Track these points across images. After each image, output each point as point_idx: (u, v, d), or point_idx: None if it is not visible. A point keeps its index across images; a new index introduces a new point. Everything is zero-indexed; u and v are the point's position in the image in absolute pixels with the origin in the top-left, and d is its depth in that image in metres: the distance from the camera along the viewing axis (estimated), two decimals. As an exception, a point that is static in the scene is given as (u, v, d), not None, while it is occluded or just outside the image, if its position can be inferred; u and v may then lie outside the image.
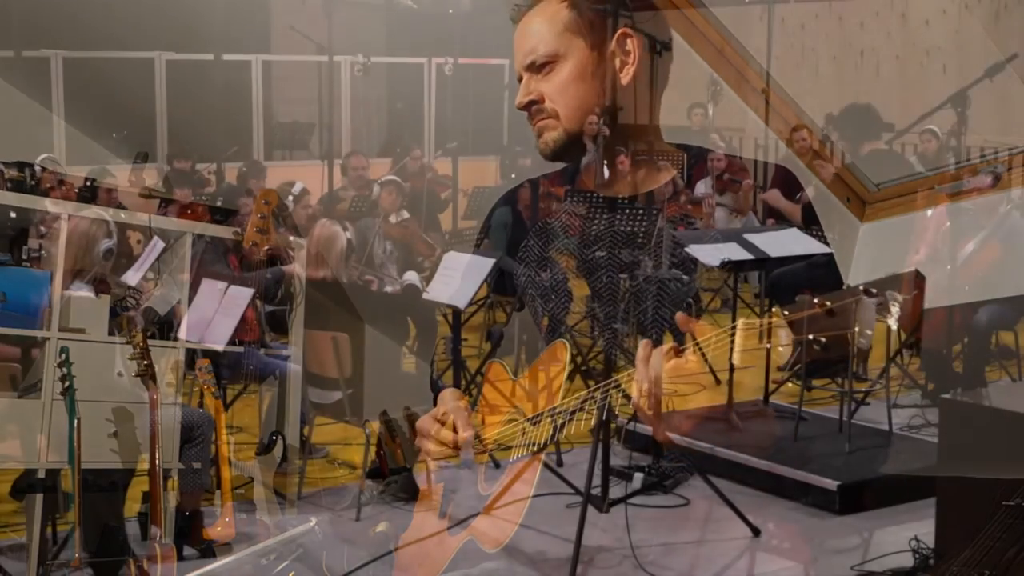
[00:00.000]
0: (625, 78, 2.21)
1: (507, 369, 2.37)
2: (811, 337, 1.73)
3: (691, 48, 2.33)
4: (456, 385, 5.14)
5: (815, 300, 1.73)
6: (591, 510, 4.86)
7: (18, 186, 6.88)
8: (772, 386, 6.73)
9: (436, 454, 2.28)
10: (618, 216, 2.34)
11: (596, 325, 2.39)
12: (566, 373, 2.21)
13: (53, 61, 11.54)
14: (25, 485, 4.77)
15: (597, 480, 4.98)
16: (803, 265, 6.86)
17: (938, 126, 8.73)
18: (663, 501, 5.63)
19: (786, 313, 1.76)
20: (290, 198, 8.47)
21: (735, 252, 6.08)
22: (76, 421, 4.21)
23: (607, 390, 2.03)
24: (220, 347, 5.21)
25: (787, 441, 6.09)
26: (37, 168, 7.55)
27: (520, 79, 2.25)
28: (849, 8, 11.07)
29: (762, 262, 6.31)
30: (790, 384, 6.96)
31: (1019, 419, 4.34)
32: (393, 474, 5.53)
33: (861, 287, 1.71)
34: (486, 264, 5.77)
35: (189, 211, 6.51)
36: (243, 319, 5.37)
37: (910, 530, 4.87)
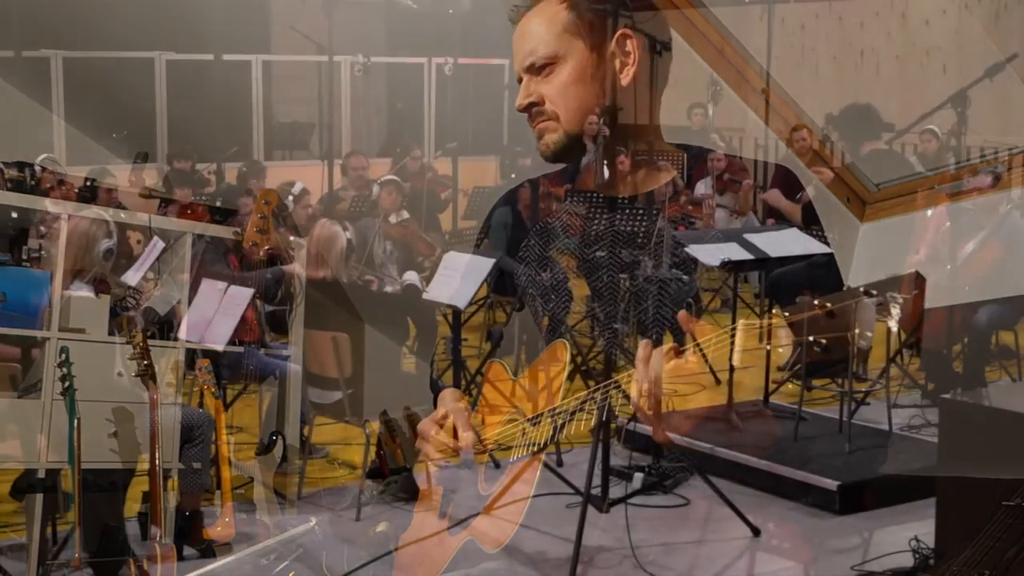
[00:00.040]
0: (625, 79, 2.20)
1: (507, 369, 2.37)
2: (811, 339, 1.73)
3: (691, 48, 2.33)
4: (456, 385, 5.15)
5: (815, 302, 1.73)
6: (591, 510, 4.86)
7: (18, 186, 6.88)
8: (772, 386, 6.73)
9: (436, 458, 2.28)
10: (618, 216, 2.34)
11: (596, 325, 2.39)
12: (566, 373, 2.21)
13: (53, 61, 11.55)
14: (25, 485, 4.77)
15: (597, 480, 4.98)
16: (803, 265, 6.86)
17: (938, 126, 8.73)
18: (663, 501, 5.63)
19: (786, 314, 1.76)
20: (290, 198, 8.47)
21: (735, 252, 6.08)
22: (76, 421, 4.21)
23: (607, 390, 2.03)
24: (220, 347, 5.21)
25: (787, 441, 6.09)
26: (37, 168, 7.56)
27: (520, 80, 2.24)
28: (849, 8, 11.08)
29: (762, 262, 6.31)
30: (790, 384, 6.97)
31: (1019, 419, 4.34)
32: (393, 474, 5.53)
33: (861, 288, 1.71)
34: (486, 264, 5.77)
35: (189, 211, 6.51)
36: (243, 319, 5.37)
37: (910, 530, 4.87)
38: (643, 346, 1.93)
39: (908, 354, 6.99)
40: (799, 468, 5.68)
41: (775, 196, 8.36)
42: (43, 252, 5.49)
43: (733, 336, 1.80)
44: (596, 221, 2.35)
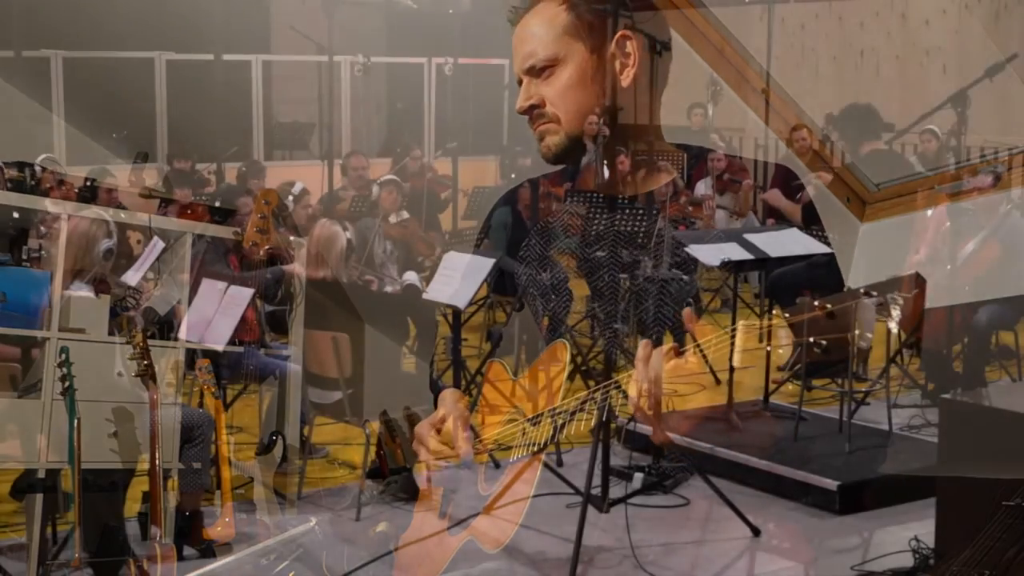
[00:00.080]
0: (625, 80, 2.20)
1: (507, 369, 2.37)
2: (811, 340, 1.73)
3: (691, 48, 2.33)
4: (456, 385, 5.15)
5: (815, 303, 1.73)
6: (591, 510, 4.86)
7: (18, 186, 6.88)
8: (772, 386, 6.73)
9: (431, 462, 2.28)
10: (618, 216, 2.34)
11: (596, 325, 2.40)
12: (566, 373, 2.21)
13: (53, 61, 11.55)
14: (25, 485, 4.77)
15: (597, 480, 4.98)
16: (803, 265, 6.87)
17: (938, 126, 8.73)
18: (663, 501, 5.63)
19: (787, 316, 1.76)
20: (290, 198, 8.47)
21: (735, 252, 6.09)
22: (76, 421, 4.20)
23: (607, 390, 2.03)
24: (220, 347, 5.21)
25: (787, 441, 6.09)
26: (37, 168, 7.56)
27: (520, 82, 2.24)
28: (849, 8, 11.07)
29: (762, 262, 6.31)
30: (790, 384, 6.97)
31: (1019, 419, 4.34)
32: (393, 474, 5.53)
33: (862, 290, 1.71)
34: (486, 264, 5.77)
35: (189, 211, 6.50)
36: (243, 319, 5.37)
37: (910, 530, 4.87)
38: (643, 346, 1.93)
39: (908, 354, 6.99)
40: (799, 468, 5.68)
41: (775, 196, 8.36)
42: (43, 252, 5.49)
43: (733, 336, 1.80)
44: (596, 221, 2.35)
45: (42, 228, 5.78)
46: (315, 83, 12.52)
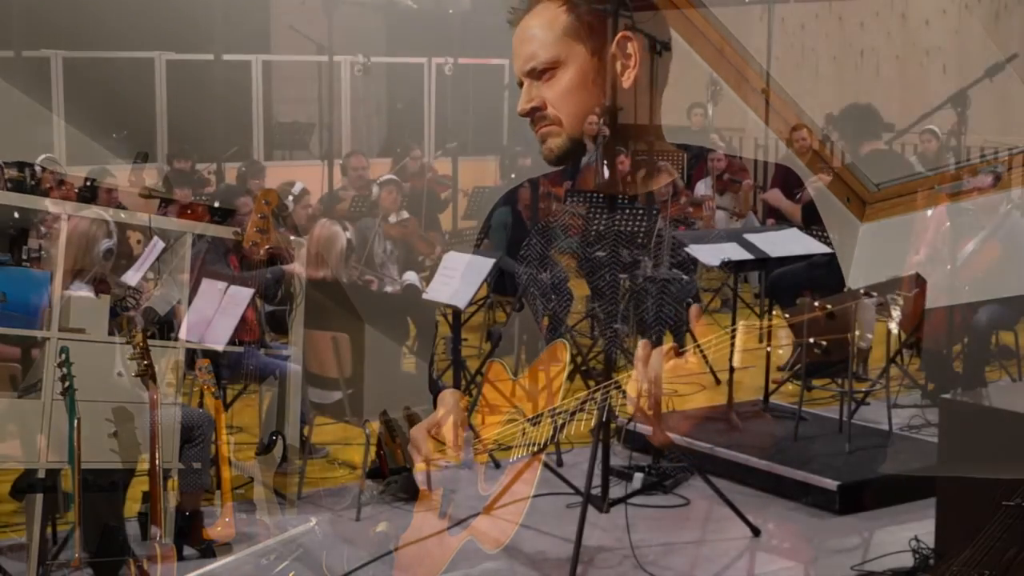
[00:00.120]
0: (627, 82, 2.20)
1: (507, 369, 2.37)
2: (811, 340, 1.73)
3: (691, 48, 2.33)
4: (456, 385, 5.14)
5: (815, 303, 1.73)
6: (591, 510, 4.86)
7: (18, 186, 6.88)
8: (772, 386, 6.73)
9: (424, 467, 2.28)
10: (619, 216, 2.34)
11: (596, 325, 2.40)
12: (566, 373, 2.21)
13: (53, 61, 11.55)
14: (25, 485, 4.77)
15: (597, 480, 4.98)
16: (803, 265, 6.87)
17: (938, 126, 8.73)
18: (663, 501, 5.63)
19: (786, 316, 1.76)
20: (290, 198, 8.46)
21: (735, 252, 6.09)
22: (76, 421, 4.21)
23: (607, 390, 2.03)
24: (220, 347, 5.21)
25: (787, 441, 6.09)
26: (37, 168, 7.56)
27: (520, 84, 2.23)
28: (849, 8, 11.07)
29: (762, 262, 6.31)
30: (790, 384, 6.97)
31: (1019, 419, 4.34)
32: (393, 474, 5.53)
33: (862, 290, 1.71)
34: (486, 264, 5.77)
35: (189, 211, 6.51)
36: (243, 319, 5.37)
37: (910, 530, 4.87)
38: (642, 346, 1.93)
39: (908, 354, 6.99)
40: (799, 468, 5.68)
41: (775, 196, 8.36)
42: (43, 252, 5.49)
43: (733, 336, 1.80)
44: (597, 221, 2.35)
45: (42, 228, 5.78)
46: (315, 83, 12.53)
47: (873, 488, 5.55)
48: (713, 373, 6.99)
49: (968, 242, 6.58)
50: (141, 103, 11.72)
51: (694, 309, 1.88)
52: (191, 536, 4.88)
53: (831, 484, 5.50)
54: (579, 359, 6.25)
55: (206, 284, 5.34)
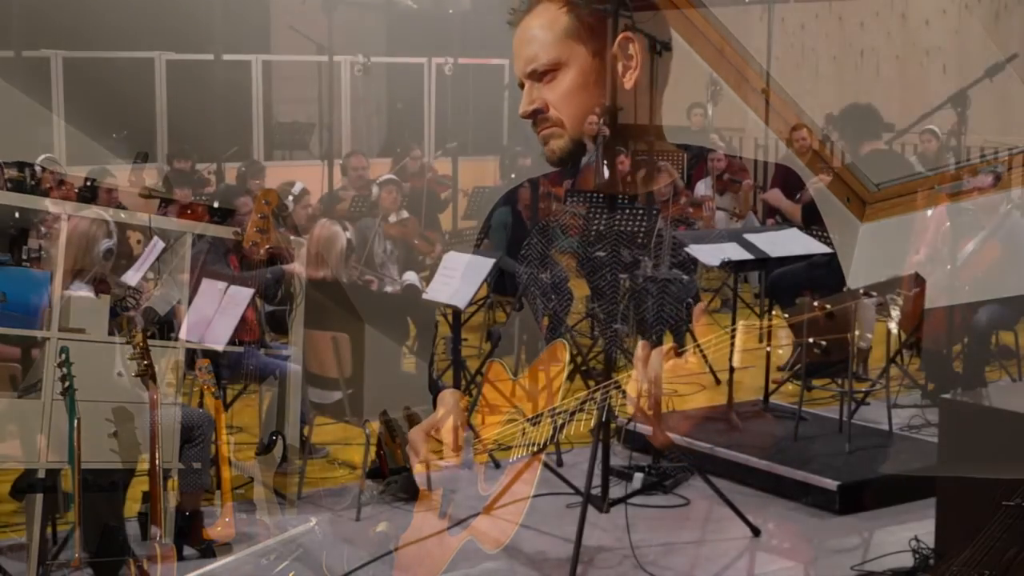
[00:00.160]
0: (628, 83, 2.19)
1: (507, 369, 2.37)
2: (811, 340, 1.73)
3: (691, 48, 2.33)
4: (456, 385, 5.15)
5: (815, 303, 1.73)
6: (591, 510, 4.86)
7: (18, 186, 6.89)
8: (772, 386, 6.73)
9: (422, 470, 2.28)
10: (619, 216, 2.34)
11: (596, 325, 2.40)
12: (566, 373, 2.21)
13: (53, 61, 11.55)
14: (25, 485, 4.77)
15: (597, 480, 4.98)
16: (803, 265, 6.87)
17: (938, 126, 8.73)
18: (663, 501, 5.63)
19: (786, 316, 1.76)
20: (290, 198, 8.46)
21: (735, 252, 6.09)
22: (76, 421, 4.21)
23: (607, 390, 2.03)
24: (220, 347, 5.21)
25: (787, 441, 6.09)
26: (37, 168, 7.56)
27: (521, 85, 2.23)
28: (849, 8, 11.07)
29: (762, 262, 6.31)
30: (790, 384, 6.97)
31: (1019, 419, 4.34)
32: (393, 474, 5.53)
33: (861, 290, 1.71)
34: (486, 264, 5.77)
35: (189, 211, 6.51)
36: (243, 319, 5.37)
37: (910, 530, 4.87)
38: (641, 346, 1.93)
39: (908, 354, 6.99)
40: (799, 468, 5.68)
41: (775, 196, 8.36)
42: (43, 252, 5.49)
43: (733, 336, 1.80)
44: (597, 221, 2.36)
45: (42, 228, 5.78)
46: (315, 83, 12.52)
47: (873, 488, 5.55)
48: (713, 373, 6.99)
49: (968, 242, 6.58)
50: (141, 103, 11.72)
51: (698, 307, 1.88)
52: (191, 536, 4.88)
53: (831, 484, 5.50)
54: (579, 359, 6.25)
55: (206, 284, 5.34)
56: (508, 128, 12.71)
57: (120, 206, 7.54)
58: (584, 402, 2.07)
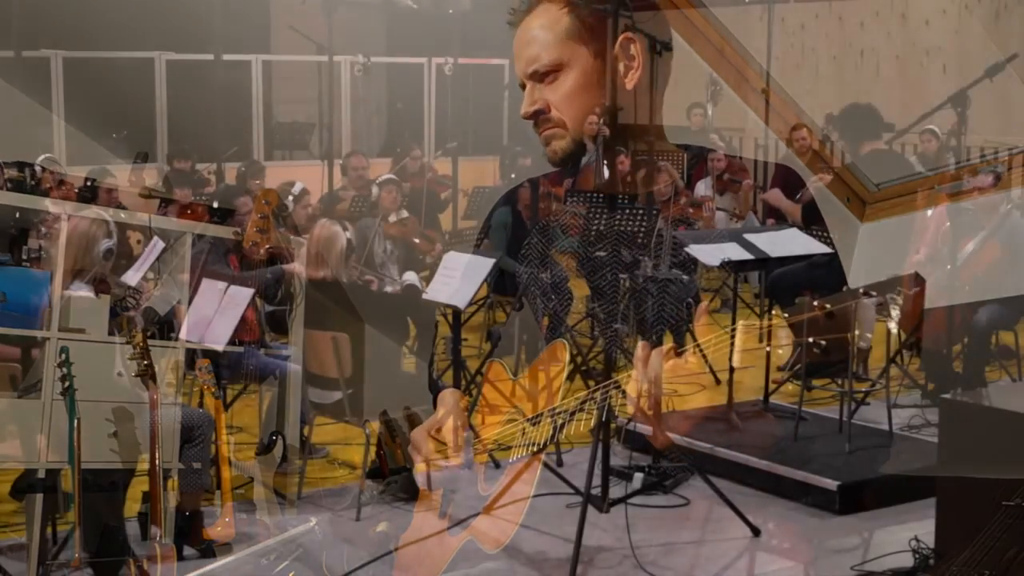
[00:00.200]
0: (630, 83, 2.19)
1: (507, 369, 2.37)
2: (811, 340, 1.73)
3: (691, 48, 2.33)
4: (456, 385, 5.15)
5: (815, 303, 1.73)
6: (591, 510, 4.86)
7: (18, 186, 6.89)
8: (772, 386, 6.73)
9: (424, 469, 2.28)
10: (619, 216, 2.34)
11: (596, 325, 2.40)
12: (566, 373, 2.21)
13: (53, 61, 11.55)
14: (25, 485, 4.77)
15: (597, 480, 4.98)
16: (803, 265, 6.87)
17: (938, 126, 8.73)
18: (663, 501, 5.63)
19: (786, 316, 1.77)
20: (290, 198, 8.46)
21: (735, 252, 6.08)
22: (76, 421, 4.21)
23: (607, 390, 2.03)
24: (220, 347, 5.21)
25: (787, 441, 6.09)
26: (37, 168, 7.56)
27: (522, 85, 2.22)
28: (849, 8, 11.07)
29: (762, 262, 6.31)
30: (790, 384, 6.96)
31: (1019, 419, 4.34)
32: (393, 474, 5.53)
33: (861, 290, 1.72)
34: (486, 264, 5.77)
35: (189, 211, 6.51)
36: (243, 319, 5.37)
37: (910, 530, 4.87)
38: (641, 346, 1.93)
39: (908, 354, 6.99)
40: (799, 468, 5.68)
41: (775, 196, 8.36)
42: (43, 252, 5.49)
43: (733, 336, 1.80)
44: (597, 221, 2.36)
45: (42, 228, 5.78)
46: (315, 83, 12.52)
47: (873, 488, 5.55)
48: (713, 373, 6.98)
49: (968, 242, 6.58)
50: (141, 103, 11.72)
51: (700, 306, 1.88)
52: (191, 536, 4.88)
53: (831, 484, 5.50)
54: (579, 359, 6.25)
55: (206, 284, 5.34)
56: (508, 128, 12.71)
57: (120, 206, 7.54)
58: (584, 402, 2.07)
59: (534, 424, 2.18)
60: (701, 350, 1.86)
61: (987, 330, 6.79)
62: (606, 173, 2.23)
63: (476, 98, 13.23)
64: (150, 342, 4.53)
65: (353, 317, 5.60)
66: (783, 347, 7.49)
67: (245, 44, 12.35)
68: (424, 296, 6.54)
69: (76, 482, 4.18)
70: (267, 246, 5.42)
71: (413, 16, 13.02)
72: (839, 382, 6.52)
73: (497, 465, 2.29)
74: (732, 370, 6.39)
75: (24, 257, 5.84)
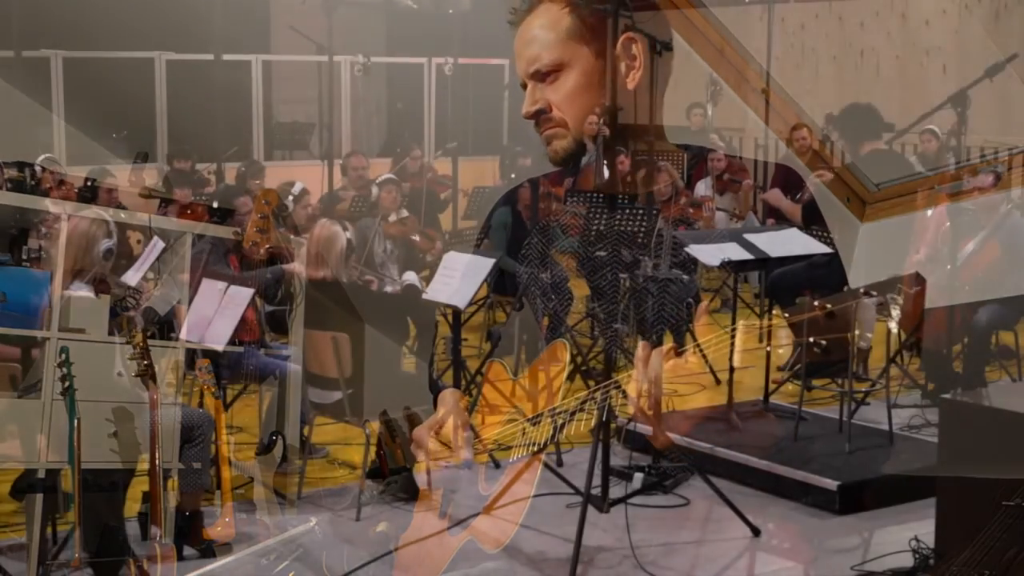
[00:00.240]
0: (631, 83, 2.19)
1: (507, 369, 2.37)
2: (811, 340, 1.73)
3: (691, 48, 2.33)
4: (456, 385, 5.15)
5: (815, 303, 1.73)
6: (591, 510, 4.86)
7: (18, 186, 6.89)
8: (772, 386, 6.73)
9: (427, 468, 2.28)
10: (619, 216, 2.34)
11: (596, 325, 2.40)
12: (566, 373, 2.21)
13: (53, 61, 11.55)
14: (25, 485, 4.77)
15: (597, 480, 4.98)
16: (803, 265, 6.87)
17: (938, 126, 8.73)
18: (663, 501, 5.63)
19: (787, 316, 1.77)
20: (290, 198, 8.46)
21: (735, 252, 6.08)
22: (76, 421, 4.21)
23: (607, 390, 2.03)
24: (220, 347, 5.21)
25: (787, 441, 6.09)
26: (37, 168, 7.56)
27: (523, 85, 2.22)
28: (849, 8, 11.07)
29: (762, 262, 6.31)
30: (790, 384, 6.96)
31: (1019, 419, 4.34)
32: (393, 474, 5.53)
33: (861, 290, 1.72)
34: (486, 264, 5.77)
35: (189, 211, 6.51)
36: (243, 319, 5.37)
37: (910, 530, 4.87)
38: (642, 346, 1.93)
39: (908, 354, 6.99)
40: (799, 468, 5.68)
41: (776, 196, 8.36)
42: (43, 252, 5.49)
43: (733, 336, 1.80)
44: (597, 221, 2.36)
45: (42, 228, 5.78)
46: (315, 83, 12.53)
47: (873, 488, 5.55)
48: (713, 373, 6.98)
49: (968, 242, 6.58)
50: (141, 103, 11.72)
51: (701, 306, 1.88)
52: (191, 536, 4.88)
53: (831, 484, 5.50)
54: (579, 359, 6.25)
55: (206, 284, 5.34)
56: (508, 128, 12.72)
57: (120, 206, 7.54)
58: (584, 402, 2.07)
59: (534, 424, 2.18)
60: (701, 350, 1.86)
61: (987, 330, 6.79)
62: (606, 173, 2.23)
63: (476, 98, 13.23)
64: (150, 342, 4.53)
65: (353, 317, 5.60)
66: (783, 347, 7.49)
67: (245, 44, 12.35)
68: (424, 296, 6.53)
69: (76, 482, 4.18)
70: (267, 246, 5.42)
71: (413, 16, 13.02)
72: (839, 382, 6.52)
73: (497, 465, 2.29)
74: (732, 370, 6.39)
75: (24, 257, 5.84)
